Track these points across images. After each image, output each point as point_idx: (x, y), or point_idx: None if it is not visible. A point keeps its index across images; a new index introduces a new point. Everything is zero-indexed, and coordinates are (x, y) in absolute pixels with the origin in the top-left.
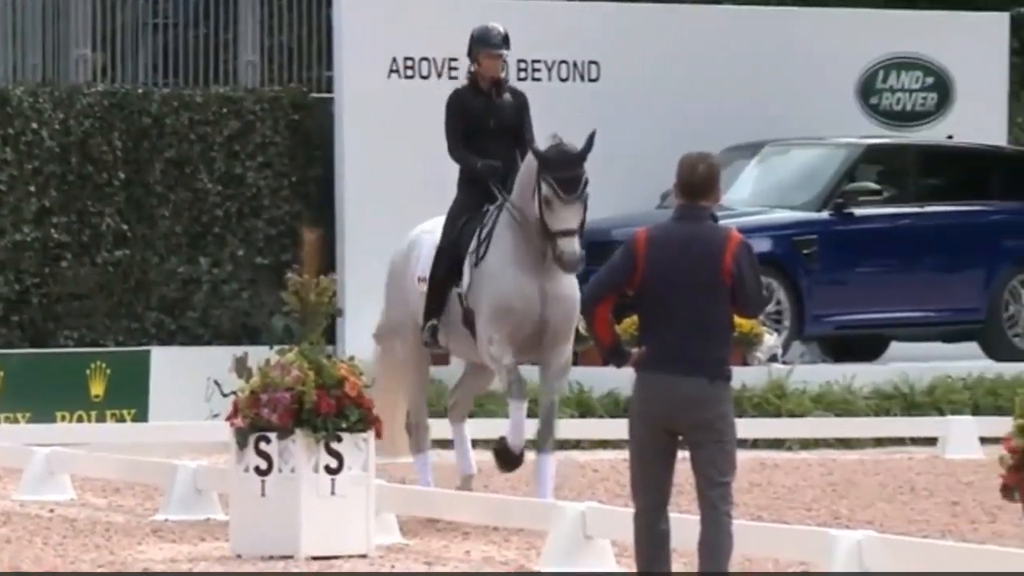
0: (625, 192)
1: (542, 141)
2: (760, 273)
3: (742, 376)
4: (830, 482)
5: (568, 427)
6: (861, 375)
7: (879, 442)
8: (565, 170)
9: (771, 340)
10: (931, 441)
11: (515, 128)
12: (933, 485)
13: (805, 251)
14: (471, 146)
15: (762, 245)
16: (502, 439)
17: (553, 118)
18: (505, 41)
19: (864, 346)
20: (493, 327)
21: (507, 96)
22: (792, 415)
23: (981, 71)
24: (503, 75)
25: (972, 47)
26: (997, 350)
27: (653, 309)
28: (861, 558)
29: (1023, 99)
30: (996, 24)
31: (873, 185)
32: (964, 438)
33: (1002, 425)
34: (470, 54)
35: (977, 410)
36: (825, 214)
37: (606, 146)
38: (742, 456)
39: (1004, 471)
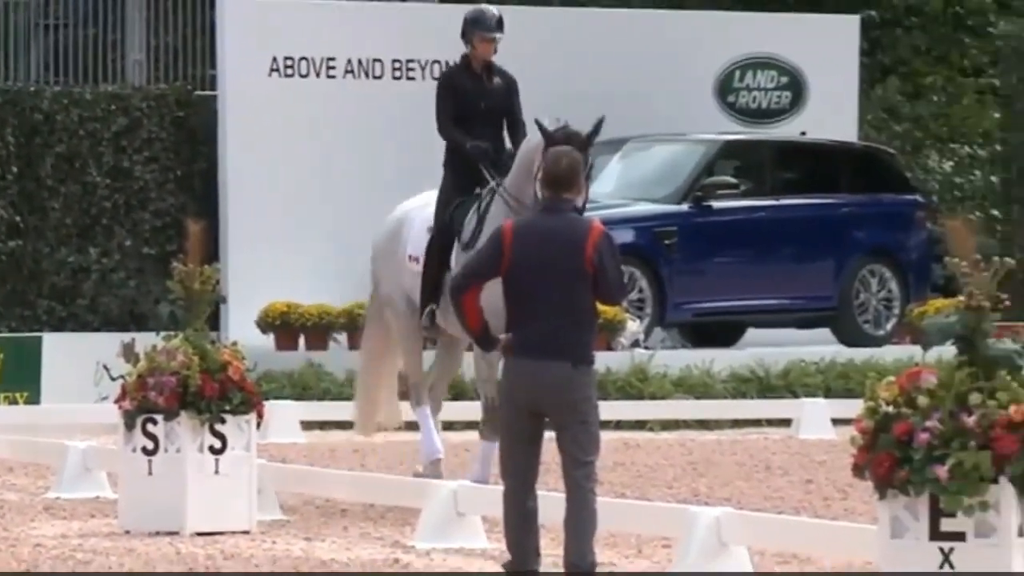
0: None
1: (545, 123)
2: (621, 263)
3: (606, 361)
4: (690, 461)
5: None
6: (719, 360)
7: (736, 423)
8: None
9: (634, 327)
10: (786, 422)
11: (504, 112)
12: (788, 464)
13: (666, 242)
14: (460, 127)
15: (625, 236)
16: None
17: (428, 117)
18: (499, 24)
19: (722, 332)
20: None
21: (497, 80)
22: (654, 398)
23: (833, 71)
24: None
25: (824, 48)
26: (848, 336)
27: (519, 297)
28: (720, 533)
29: (872, 98)
30: (847, 26)
31: (731, 179)
32: (817, 419)
33: (853, 407)
34: (464, 36)
35: (829, 393)
36: (685, 207)
37: None
38: (606, 437)
39: (855, 451)
